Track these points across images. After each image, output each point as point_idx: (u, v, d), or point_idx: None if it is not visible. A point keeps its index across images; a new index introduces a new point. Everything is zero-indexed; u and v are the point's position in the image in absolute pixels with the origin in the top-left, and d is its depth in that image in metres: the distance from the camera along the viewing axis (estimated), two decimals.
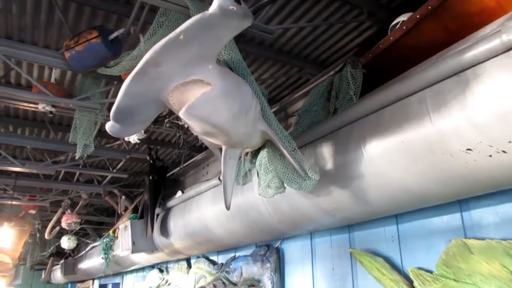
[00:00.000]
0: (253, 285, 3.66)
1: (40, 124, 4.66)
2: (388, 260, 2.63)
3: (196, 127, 1.76)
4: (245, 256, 3.90)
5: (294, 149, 2.12)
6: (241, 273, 3.84)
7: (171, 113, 3.75)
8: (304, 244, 3.37)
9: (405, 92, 1.90)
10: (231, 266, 4.05)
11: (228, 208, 2.23)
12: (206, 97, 1.62)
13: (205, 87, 1.63)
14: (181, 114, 1.63)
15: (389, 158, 1.96)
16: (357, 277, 2.83)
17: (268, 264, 3.49)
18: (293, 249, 3.51)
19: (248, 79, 2.01)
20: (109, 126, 1.73)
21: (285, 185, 2.25)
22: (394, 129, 1.91)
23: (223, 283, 4.17)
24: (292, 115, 3.50)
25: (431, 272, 2.33)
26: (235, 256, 4.12)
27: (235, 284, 3.96)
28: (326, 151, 2.33)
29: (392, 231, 2.68)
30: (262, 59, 3.56)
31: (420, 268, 2.40)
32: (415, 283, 2.39)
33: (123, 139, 4.37)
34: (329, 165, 2.28)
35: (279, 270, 3.50)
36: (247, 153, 2.50)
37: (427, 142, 1.77)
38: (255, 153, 2.45)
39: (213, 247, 4.02)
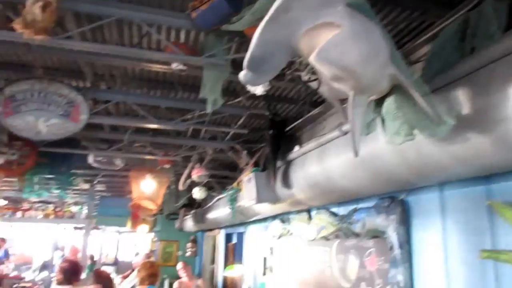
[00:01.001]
0: (377, 236, 3.64)
1: (168, 85, 5.09)
2: None
3: (326, 71, 1.77)
4: (367, 207, 3.87)
5: (426, 93, 2.01)
6: (364, 224, 3.84)
7: (290, 66, 3.78)
8: (433, 197, 3.21)
9: None
10: (353, 217, 4.07)
11: (356, 155, 2.22)
12: (336, 39, 1.60)
13: (335, 29, 1.61)
14: (311, 58, 1.64)
15: None
16: (497, 232, 2.63)
17: (393, 216, 3.42)
18: (419, 202, 3.37)
19: (374, 21, 1.93)
20: (243, 74, 1.81)
21: (415, 132, 2.15)
22: None
23: (345, 233, 4.23)
24: (416, 61, 3.26)
25: None
26: (356, 208, 4.12)
27: (357, 235, 3.98)
28: (461, 95, 2.14)
29: None
30: (380, 5, 3.34)
31: None
32: None
33: (246, 90, 4.48)
34: (465, 109, 2.10)
35: (405, 223, 3.41)
36: (369, 103, 2.44)
37: None
38: (378, 102, 2.38)
39: (334, 198, 4.06)
